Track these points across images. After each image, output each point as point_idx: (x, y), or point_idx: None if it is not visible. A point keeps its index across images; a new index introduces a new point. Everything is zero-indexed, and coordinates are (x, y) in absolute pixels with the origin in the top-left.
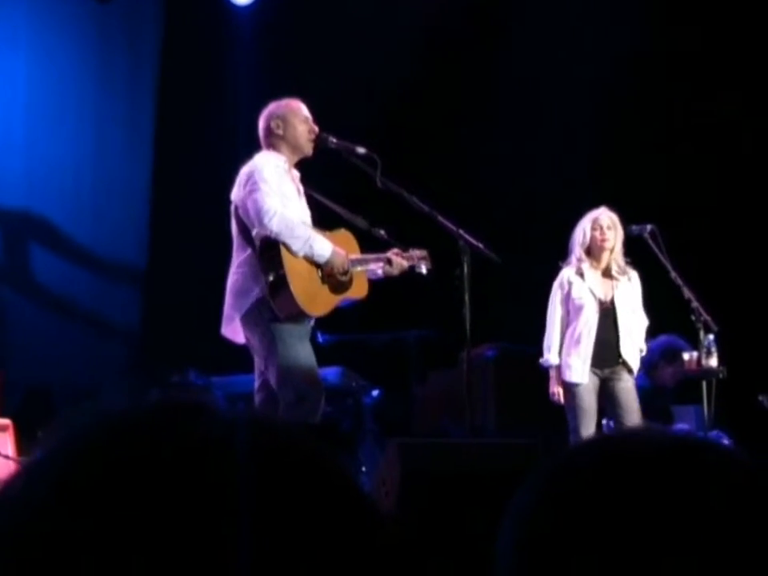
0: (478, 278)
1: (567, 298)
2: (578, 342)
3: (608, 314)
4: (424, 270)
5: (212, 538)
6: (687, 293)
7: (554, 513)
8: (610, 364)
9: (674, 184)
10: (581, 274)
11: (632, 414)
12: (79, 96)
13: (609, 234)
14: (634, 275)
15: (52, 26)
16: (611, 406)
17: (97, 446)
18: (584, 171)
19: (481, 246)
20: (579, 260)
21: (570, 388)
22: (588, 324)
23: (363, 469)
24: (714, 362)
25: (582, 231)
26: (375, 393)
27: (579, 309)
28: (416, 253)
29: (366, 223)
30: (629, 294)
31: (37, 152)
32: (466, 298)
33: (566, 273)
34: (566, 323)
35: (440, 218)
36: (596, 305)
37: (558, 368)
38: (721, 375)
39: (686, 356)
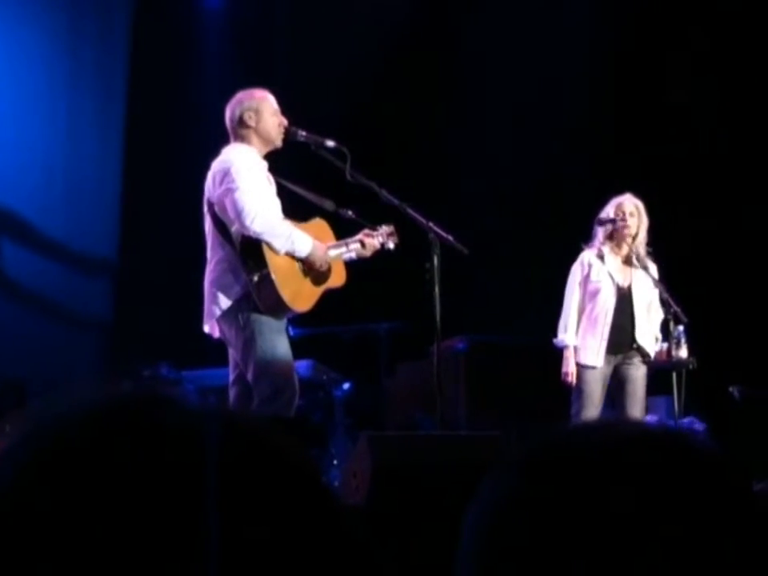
0: (449, 269)
1: (586, 280)
2: (594, 324)
3: (624, 300)
4: (392, 246)
5: (179, 531)
6: (657, 284)
7: (517, 506)
8: (624, 350)
9: (644, 177)
10: (601, 257)
11: (634, 402)
12: (50, 90)
13: (631, 221)
14: (652, 266)
15: (22, 19)
16: (618, 391)
17: (64, 437)
18: (553, 163)
19: (450, 238)
20: (601, 243)
21: (581, 370)
22: (605, 307)
23: (335, 462)
24: (684, 353)
25: (606, 216)
26: (346, 386)
27: (596, 292)
28: (383, 229)
29: (333, 204)
30: (646, 283)
31: (7, 146)
32: (436, 290)
33: (587, 255)
34: (583, 305)
35: (410, 211)
36: (614, 289)
37: (574, 349)
38: (691, 366)
39: (656, 347)
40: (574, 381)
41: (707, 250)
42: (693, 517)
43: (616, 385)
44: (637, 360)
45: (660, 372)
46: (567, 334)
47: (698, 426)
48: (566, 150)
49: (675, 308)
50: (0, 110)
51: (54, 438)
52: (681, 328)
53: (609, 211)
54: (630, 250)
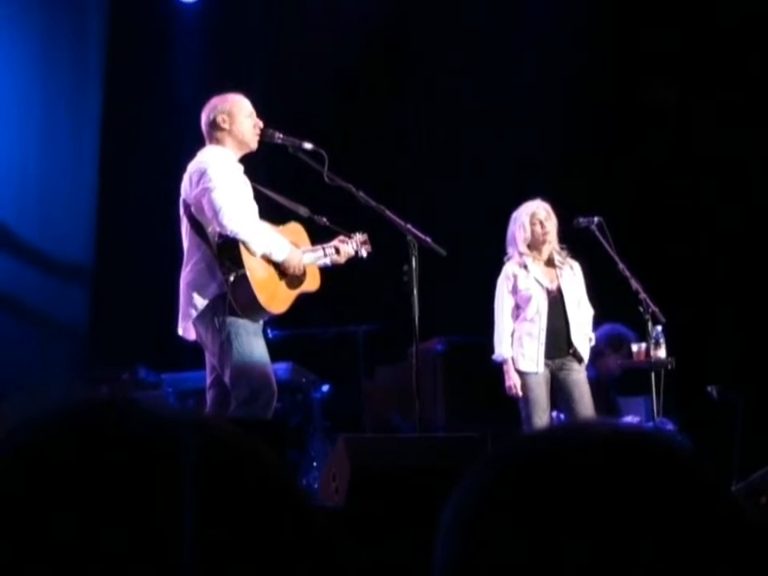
0: (427, 271)
1: (514, 291)
2: (530, 331)
3: (556, 303)
4: (365, 254)
5: (155, 536)
6: (635, 284)
7: (492, 509)
8: (561, 354)
9: (620, 176)
10: (524, 266)
11: (585, 406)
12: (23, 90)
13: (548, 227)
14: (576, 265)
15: None
16: (563, 399)
17: (39, 442)
18: (528, 164)
19: (428, 239)
20: (522, 254)
21: (523, 378)
22: (538, 312)
23: (314, 464)
24: (662, 353)
25: (522, 226)
26: (325, 388)
27: (527, 299)
28: (357, 237)
29: (307, 211)
30: (573, 283)
31: None
32: (415, 291)
33: (510, 267)
34: (515, 316)
35: (387, 213)
36: (544, 294)
37: (511, 360)
38: (669, 366)
39: (634, 347)
40: (519, 392)
41: (683, 250)
42: (666, 517)
43: (562, 393)
44: (575, 365)
45: (638, 372)
46: (503, 347)
47: (669, 426)
48: (543, 151)
49: (653, 308)
50: None
51: (29, 442)
52: (659, 328)
53: (523, 220)
54: (550, 253)
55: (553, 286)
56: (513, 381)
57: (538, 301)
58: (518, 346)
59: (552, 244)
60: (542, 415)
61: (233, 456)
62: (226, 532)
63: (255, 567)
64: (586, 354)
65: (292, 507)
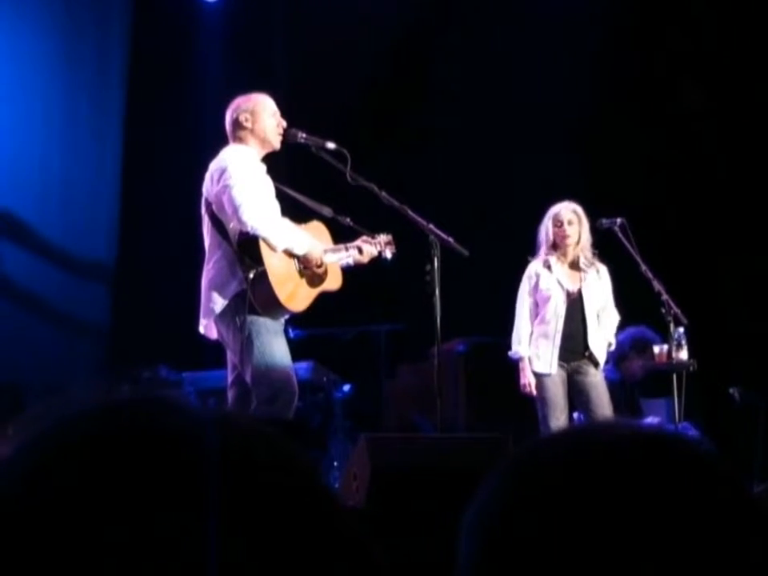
0: (449, 271)
1: (535, 290)
2: (545, 332)
3: (575, 306)
4: (389, 255)
5: (180, 535)
6: (657, 286)
7: (516, 508)
8: (577, 357)
9: (644, 178)
10: (548, 266)
11: (602, 409)
12: (46, 92)
13: (570, 230)
14: (603, 269)
15: (18, 20)
16: (582, 401)
17: (66, 444)
18: (556, 164)
19: (451, 240)
20: (546, 254)
21: (538, 379)
22: (556, 314)
23: (335, 464)
24: (684, 354)
25: (545, 228)
26: (346, 387)
27: (546, 300)
28: (381, 238)
29: (331, 211)
30: (597, 287)
31: (3, 148)
32: (437, 292)
33: (534, 266)
34: (534, 315)
35: (410, 213)
36: (563, 296)
37: (528, 359)
38: (691, 368)
39: (656, 349)
40: (534, 391)
41: (706, 252)
42: (688, 518)
43: (580, 395)
44: (591, 369)
45: (660, 374)
46: (521, 345)
47: (692, 431)
48: (567, 151)
49: (675, 309)
50: None
51: (56, 443)
52: (681, 330)
53: (547, 222)
54: (575, 255)
55: (574, 289)
56: (527, 379)
57: (557, 302)
58: (534, 347)
59: (578, 247)
60: (560, 416)
61: (262, 454)
62: (254, 533)
63: (284, 570)
64: (602, 358)
65: (322, 506)
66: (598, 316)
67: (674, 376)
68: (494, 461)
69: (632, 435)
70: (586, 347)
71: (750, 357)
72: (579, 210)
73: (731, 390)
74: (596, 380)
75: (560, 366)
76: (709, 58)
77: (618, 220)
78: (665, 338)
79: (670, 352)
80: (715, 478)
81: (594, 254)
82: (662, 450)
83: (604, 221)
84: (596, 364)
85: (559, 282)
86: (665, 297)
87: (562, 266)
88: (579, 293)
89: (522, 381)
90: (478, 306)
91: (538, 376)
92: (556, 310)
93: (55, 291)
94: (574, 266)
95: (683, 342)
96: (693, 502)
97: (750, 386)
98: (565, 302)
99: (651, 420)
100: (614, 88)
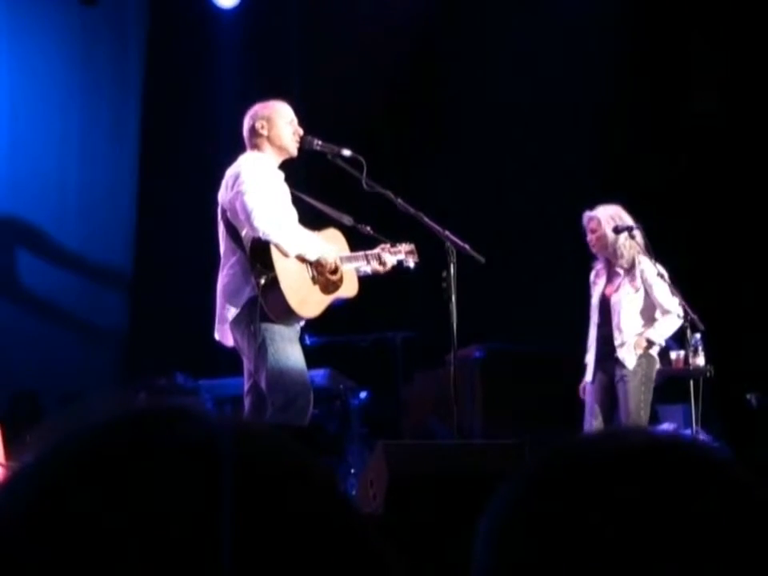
0: (465, 278)
1: (590, 298)
2: (589, 340)
3: (607, 313)
4: (411, 264)
5: (195, 544)
6: (674, 291)
7: (532, 516)
8: (610, 360)
9: (660, 183)
10: (597, 272)
11: (626, 416)
12: (64, 100)
13: (591, 238)
14: (646, 268)
15: (35, 29)
16: (612, 409)
17: (82, 451)
18: (572, 170)
19: (467, 246)
20: (596, 260)
21: (586, 385)
22: (594, 321)
23: (352, 471)
24: (700, 360)
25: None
26: (362, 394)
27: (593, 308)
28: (403, 247)
29: (351, 220)
30: (630, 290)
31: (21, 156)
32: (453, 298)
33: (592, 273)
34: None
35: (426, 220)
36: (599, 305)
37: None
38: (708, 374)
39: (672, 355)
40: (584, 397)
41: (723, 258)
42: (704, 524)
43: (610, 403)
44: (620, 372)
45: (677, 380)
46: (586, 354)
47: (704, 437)
48: (584, 157)
49: (692, 315)
50: (13, 121)
51: (73, 453)
52: (698, 336)
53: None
54: (612, 259)
55: (609, 295)
56: (582, 384)
57: (595, 310)
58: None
59: (608, 251)
60: (592, 423)
61: (278, 462)
62: (269, 542)
63: None
64: (630, 362)
65: (338, 514)
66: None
67: (691, 382)
68: (510, 467)
69: (646, 443)
70: (614, 350)
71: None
72: (594, 215)
73: (748, 396)
74: (624, 387)
75: (602, 371)
76: (724, 58)
77: (634, 225)
78: (681, 343)
79: (686, 358)
80: (732, 484)
81: (640, 253)
82: (676, 457)
83: (620, 225)
84: (624, 368)
85: (599, 290)
86: (681, 302)
87: (603, 273)
88: (612, 299)
89: (580, 384)
90: (494, 312)
91: (587, 383)
92: (594, 318)
93: (72, 298)
94: (614, 270)
95: (700, 347)
96: (710, 508)
97: (767, 392)
98: (599, 307)
99: (667, 426)
100: (629, 89)
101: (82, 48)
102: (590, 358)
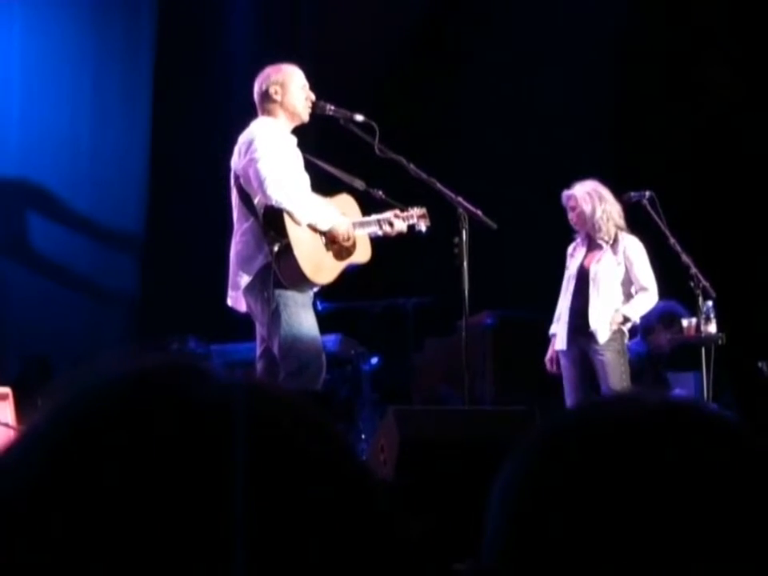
0: (477, 244)
1: (566, 270)
2: (560, 311)
3: (584, 284)
4: (423, 228)
5: (207, 503)
6: (686, 259)
7: (543, 481)
8: (583, 333)
9: (673, 151)
10: (576, 245)
11: (608, 386)
12: (76, 64)
13: (571, 215)
14: (630, 244)
15: None
16: (594, 380)
17: (94, 410)
18: (584, 137)
19: (479, 212)
20: (575, 233)
21: (556, 354)
22: (567, 293)
23: (363, 436)
24: (712, 328)
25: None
26: (374, 360)
27: (567, 279)
28: (415, 211)
29: (363, 184)
30: (610, 263)
31: (33, 122)
32: (465, 265)
33: (570, 246)
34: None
35: (438, 185)
36: (576, 274)
37: (554, 337)
38: (720, 341)
39: (684, 322)
40: (553, 368)
41: (735, 225)
42: (720, 489)
43: (591, 374)
44: (596, 346)
45: (688, 347)
46: (553, 324)
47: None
48: (596, 125)
49: (704, 283)
50: (25, 86)
51: (84, 411)
52: (709, 303)
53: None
54: (593, 234)
55: (586, 267)
56: (548, 356)
57: (569, 281)
58: (557, 325)
59: (589, 226)
60: (571, 393)
61: (291, 421)
62: (281, 500)
63: (313, 542)
64: (603, 336)
65: (351, 473)
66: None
67: (703, 349)
68: (521, 433)
69: (658, 406)
70: (588, 324)
71: None
72: (576, 193)
73: (760, 364)
74: (600, 358)
75: (575, 343)
76: (737, 32)
77: (647, 193)
78: (693, 311)
79: (698, 325)
80: (746, 448)
81: (619, 227)
82: (693, 420)
83: (633, 194)
84: (596, 342)
85: (576, 262)
86: (693, 270)
87: (583, 246)
88: (588, 272)
89: (546, 357)
90: (506, 279)
91: (557, 353)
92: (567, 289)
93: (84, 262)
94: (595, 243)
95: (712, 315)
96: (720, 471)
97: None
98: (575, 280)
99: (678, 392)
100: (641, 63)
101: (94, 12)
102: (561, 328)
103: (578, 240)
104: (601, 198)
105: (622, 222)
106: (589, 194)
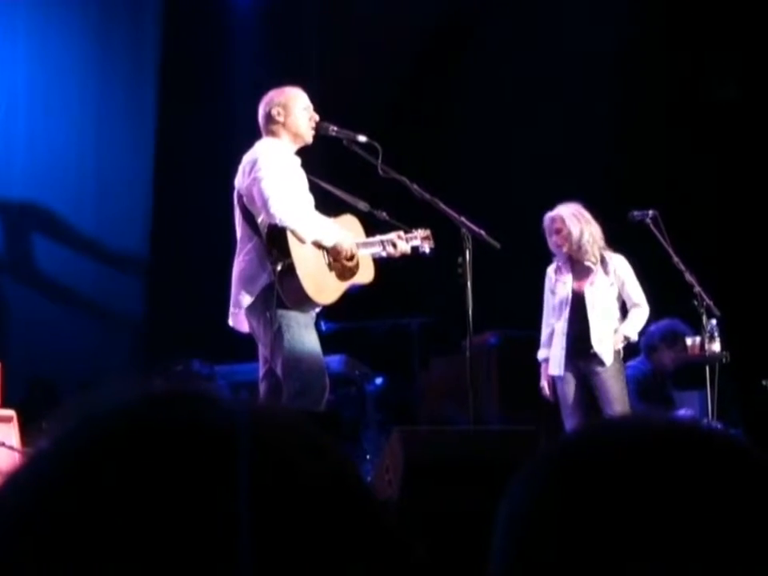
0: (481, 264)
1: (551, 294)
2: (553, 334)
3: (580, 307)
4: (427, 250)
5: (212, 527)
6: (689, 278)
7: (549, 504)
8: (584, 356)
9: (676, 170)
10: (558, 268)
11: (610, 406)
12: (81, 86)
13: (556, 239)
14: (618, 262)
15: (52, 14)
16: (593, 402)
17: (99, 437)
18: (587, 156)
19: (482, 232)
20: (557, 256)
21: (553, 381)
22: (562, 317)
23: (368, 457)
24: (716, 346)
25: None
26: (378, 380)
27: (556, 302)
28: (419, 233)
29: (367, 205)
30: (603, 284)
31: (38, 142)
32: (469, 284)
33: (549, 269)
34: (551, 318)
35: (441, 205)
36: (569, 297)
37: (546, 363)
38: (724, 360)
39: (688, 341)
40: (549, 393)
41: (739, 244)
42: (725, 510)
43: (590, 396)
44: (598, 368)
45: (693, 366)
46: (541, 349)
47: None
48: (599, 145)
49: (708, 301)
50: (31, 107)
51: (90, 437)
52: (713, 322)
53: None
54: (579, 257)
55: (579, 290)
56: (543, 382)
57: (562, 304)
58: (549, 348)
59: (575, 249)
60: (570, 417)
61: (295, 445)
62: (285, 524)
63: (319, 564)
64: (608, 357)
65: (355, 497)
66: (604, 315)
67: (707, 368)
68: (527, 454)
69: (665, 429)
70: (591, 346)
71: None
72: (562, 214)
73: (764, 382)
74: (602, 378)
75: (572, 366)
76: (740, 46)
77: (650, 212)
78: (697, 330)
79: (702, 344)
80: (752, 469)
81: (601, 249)
82: (698, 442)
83: (636, 213)
84: (600, 363)
85: (565, 284)
86: (697, 289)
87: (569, 268)
88: (583, 294)
89: (540, 383)
90: (510, 298)
91: (552, 378)
92: (562, 313)
93: (89, 283)
94: (581, 265)
95: (716, 333)
96: (732, 493)
97: None
98: (569, 303)
99: (684, 412)
100: (642, 81)
101: (99, 34)
102: (556, 353)
103: (559, 263)
104: (586, 221)
105: (603, 243)
106: (575, 215)
